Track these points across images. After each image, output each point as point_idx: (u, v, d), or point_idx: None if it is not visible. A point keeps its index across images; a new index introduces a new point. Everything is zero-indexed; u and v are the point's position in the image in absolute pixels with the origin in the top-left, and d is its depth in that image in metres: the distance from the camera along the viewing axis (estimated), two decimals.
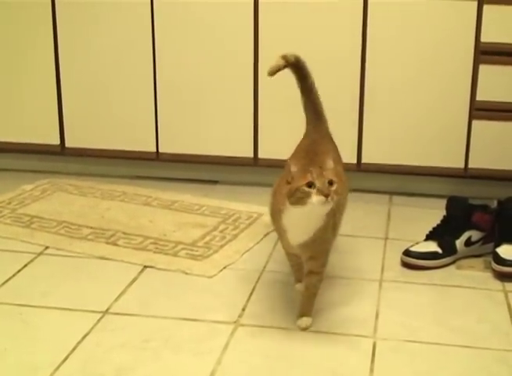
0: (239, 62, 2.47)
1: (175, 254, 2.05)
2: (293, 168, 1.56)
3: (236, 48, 2.46)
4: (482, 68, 2.36)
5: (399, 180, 2.56)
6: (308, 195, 1.52)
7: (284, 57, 1.85)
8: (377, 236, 2.22)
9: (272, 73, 1.83)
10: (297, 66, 1.86)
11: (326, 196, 1.51)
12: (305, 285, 1.72)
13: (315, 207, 1.53)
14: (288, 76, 1.87)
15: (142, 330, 1.67)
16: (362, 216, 2.35)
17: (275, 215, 1.68)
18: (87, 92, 2.59)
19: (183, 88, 2.53)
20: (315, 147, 1.77)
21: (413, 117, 2.45)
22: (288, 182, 1.57)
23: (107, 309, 1.76)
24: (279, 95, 2.43)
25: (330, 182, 1.53)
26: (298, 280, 1.83)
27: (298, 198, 1.54)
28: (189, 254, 2.05)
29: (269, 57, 1.89)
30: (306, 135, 1.88)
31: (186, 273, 1.95)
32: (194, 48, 2.48)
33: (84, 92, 2.59)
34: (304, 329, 1.68)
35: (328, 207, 1.55)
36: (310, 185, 1.52)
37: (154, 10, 2.47)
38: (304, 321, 1.70)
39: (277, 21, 2.42)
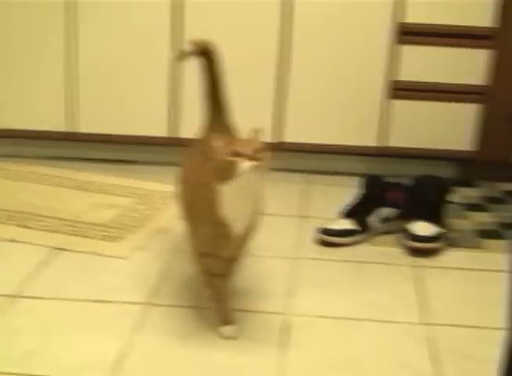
0: (156, 41, 2.43)
1: (88, 236, 2.00)
2: (215, 143, 1.44)
3: (153, 25, 2.42)
4: (401, 48, 2.38)
5: (317, 159, 2.57)
6: (235, 164, 1.40)
7: (195, 43, 1.75)
8: (293, 215, 2.23)
9: (179, 58, 1.76)
10: (208, 53, 1.74)
11: (255, 160, 1.40)
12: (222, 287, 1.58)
13: (247, 176, 1.41)
14: None
15: (51, 313, 1.64)
16: (279, 195, 2.36)
17: (206, 213, 1.50)
18: None
19: (103, 69, 2.47)
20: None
21: (333, 97, 2.46)
22: (211, 160, 1.45)
23: (16, 293, 1.71)
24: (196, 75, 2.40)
25: (256, 151, 1.42)
26: (227, 321, 1.57)
27: (226, 171, 1.41)
28: (102, 236, 2.01)
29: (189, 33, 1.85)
30: (210, 128, 1.73)
31: (99, 255, 1.91)
32: (112, 29, 2.43)
33: None
34: (233, 338, 1.56)
35: (260, 173, 1.42)
36: (236, 155, 1.41)
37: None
38: (231, 329, 1.56)
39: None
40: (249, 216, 1.51)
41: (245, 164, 1.40)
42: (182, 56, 1.75)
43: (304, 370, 1.47)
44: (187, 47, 1.75)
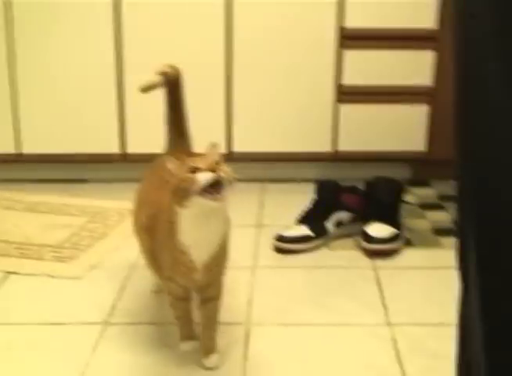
0: (102, 61, 2.39)
1: (40, 258, 1.95)
2: (170, 165, 1.34)
3: (98, 46, 2.39)
4: (346, 53, 2.39)
5: (270, 167, 2.56)
6: (194, 180, 1.29)
7: (163, 73, 1.62)
8: (250, 224, 2.21)
9: (145, 90, 1.59)
10: (175, 82, 1.64)
11: (213, 171, 1.29)
12: (205, 315, 1.48)
13: (207, 192, 1.29)
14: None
15: (4, 339, 1.58)
16: (235, 205, 2.32)
17: (168, 232, 1.39)
18: None
19: (45, 86, 2.42)
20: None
21: (281, 104, 2.45)
22: (169, 183, 1.36)
23: None
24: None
25: (217, 163, 1.32)
26: (187, 337, 1.53)
27: (185, 190, 1.30)
28: (54, 257, 1.96)
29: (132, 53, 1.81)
30: (170, 152, 1.61)
31: (52, 276, 1.86)
32: (55, 46, 2.39)
33: None
34: (215, 367, 1.48)
35: (223, 190, 1.30)
36: (194, 171, 1.31)
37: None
38: (214, 359, 1.48)
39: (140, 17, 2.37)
40: (214, 242, 1.39)
41: (203, 176, 1.29)
42: (149, 87, 1.61)
43: None
44: (153, 78, 1.63)
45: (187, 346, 1.52)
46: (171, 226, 1.37)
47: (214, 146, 1.39)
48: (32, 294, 1.78)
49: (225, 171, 1.31)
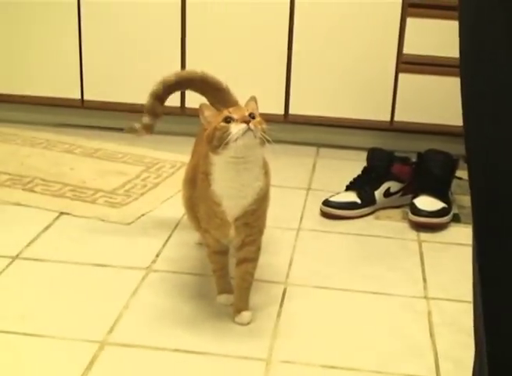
0: (165, 10, 2.42)
1: (93, 202, 2.02)
2: (207, 113, 1.39)
3: None
4: (409, 21, 2.36)
5: (326, 132, 2.56)
6: (228, 129, 1.31)
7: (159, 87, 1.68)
8: (300, 187, 2.23)
9: (128, 132, 1.69)
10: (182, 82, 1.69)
11: (247, 122, 1.31)
12: (240, 275, 1.50)
13: (240, 141, 1.31)
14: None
15: (52, 276, 1.65)
16: (287, 167, 2.35)
17: (203, 183, 1.42)
18: (8, 36, 2.51)
19: (109, 35, 2.47)
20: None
21: (341, 70, 2.44)
22: (205, 130, 1.39)
23: (18, 254, 1.72)
24: (208, 35, 2.40)
25: (252, 116, 1.34)
26: (223, 291, 1.55)
27: (218, 139, 1.32)
28: (107, 202, 2.02)
29: None
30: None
31: (103, 220, 1.92)
32: None
33: (4, 37, 2.51)
34: (246, 324, 1.50)
35: (255, 139, 1.32)
36: (228, 120, 1.33)
37: None
38: (245, 317, 1.50)
39: None
40: (248, 196, 1.40)
41: (236, 127, 1.31)
42: (130, 131, 1.69)
43: (296, 337, 1.47)
44: (136, 124, 1.70)
45: (223, 299, 1.55)
46: (206, 177, 1.40)
47: (252, 99, 1.41)
48: (81, 235, 1.85)
49: (258, 123, 1.33)
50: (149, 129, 1.71)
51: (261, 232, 1.48)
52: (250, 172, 1.38)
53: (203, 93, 1.69)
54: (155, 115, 1.70)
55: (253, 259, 1.49)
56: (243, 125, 1.31)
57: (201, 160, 1.44)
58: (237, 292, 1.51)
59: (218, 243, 1.49)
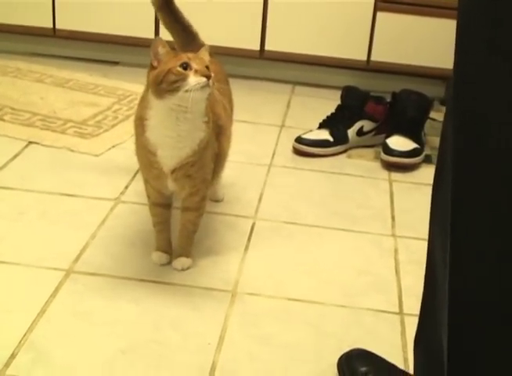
0: None
1: (63, 132, 1.99)
2: (161, 50, 1.26)
3: None
4: None
5: (302, 70, 2.53)
6: (185, 77, 1.22)
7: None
8: (274, 124, 2.21)
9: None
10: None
11: (208, 77, 1.23)
12: (182, 223, 1.44)
13: (193, 94, 1.22)
14: None
15: (18, 203, 1.64)
16: (262, 104, 2.33)
17: (137, 129, 1.33)
18: None
19: None
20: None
21: (319, 7, 2.39)
22: (153, 68, 1.27)
23: None
24: None
25: (207, 68, 1.26)
26: (159, 248, 1.46)
27: (170, 83, 1.22)
28: (77, 133, 1.99)
29: None
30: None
31: (72, 151, 1.90)
32: None
33: None
34: (182, 270, 1.44)
35: (206, 93, 1.26)
36: (185, 67, 1.24)
37: None
38: (181, 262, 1.44)
39: None
40: (186, 147, 1.31)
41: (195, 79, 1.23)
42: None
43: (262, 270, 1.48)
44: None
45: (155, 257, 1.46)
46: (141, 123, 1.31)
47: (205, 49, 1.34)
48: (49, 165, 1.82)
49: (214, 80, 1.26)
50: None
51: (204, 181, 1.40)
52: (190, 123, 1.29)
53: (168, 24, 1.60)
54: None
55: (196, 209, 1.42)
56: (204, 79, 1.23)
57: (137, 104, 1.35)
58: (178, 238, 1.46)
59: (159, 194, 1.41)
